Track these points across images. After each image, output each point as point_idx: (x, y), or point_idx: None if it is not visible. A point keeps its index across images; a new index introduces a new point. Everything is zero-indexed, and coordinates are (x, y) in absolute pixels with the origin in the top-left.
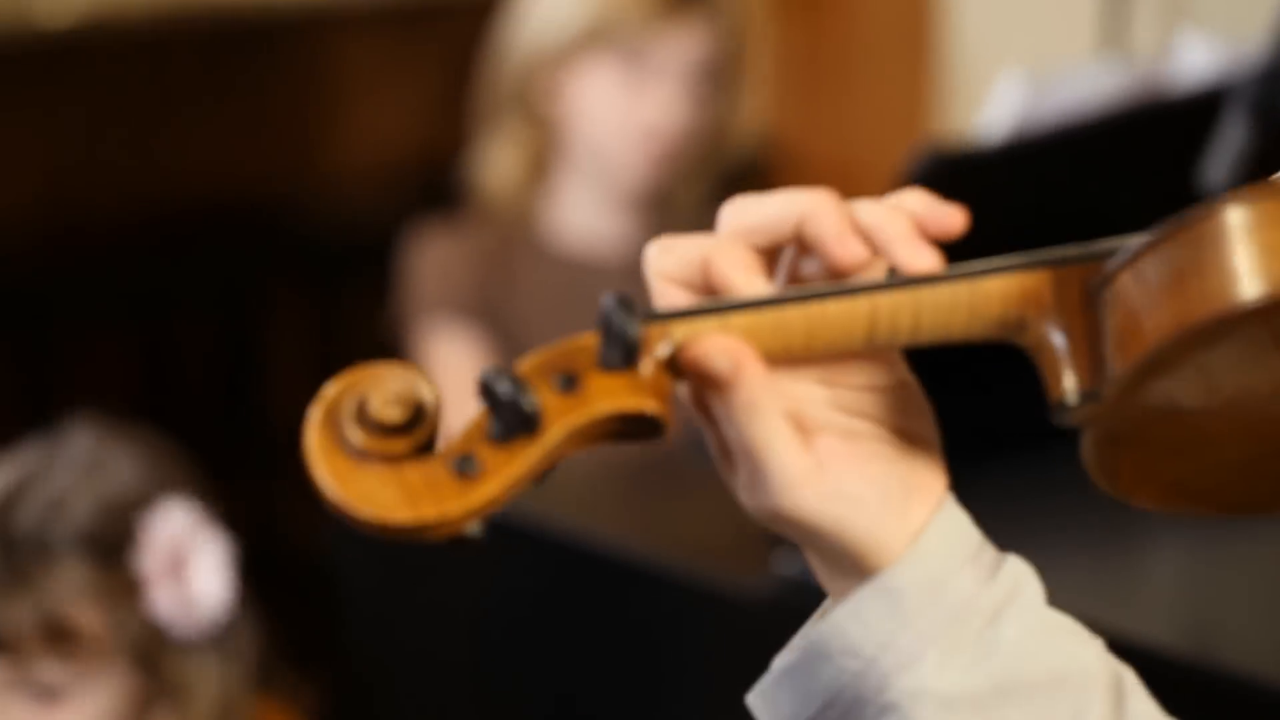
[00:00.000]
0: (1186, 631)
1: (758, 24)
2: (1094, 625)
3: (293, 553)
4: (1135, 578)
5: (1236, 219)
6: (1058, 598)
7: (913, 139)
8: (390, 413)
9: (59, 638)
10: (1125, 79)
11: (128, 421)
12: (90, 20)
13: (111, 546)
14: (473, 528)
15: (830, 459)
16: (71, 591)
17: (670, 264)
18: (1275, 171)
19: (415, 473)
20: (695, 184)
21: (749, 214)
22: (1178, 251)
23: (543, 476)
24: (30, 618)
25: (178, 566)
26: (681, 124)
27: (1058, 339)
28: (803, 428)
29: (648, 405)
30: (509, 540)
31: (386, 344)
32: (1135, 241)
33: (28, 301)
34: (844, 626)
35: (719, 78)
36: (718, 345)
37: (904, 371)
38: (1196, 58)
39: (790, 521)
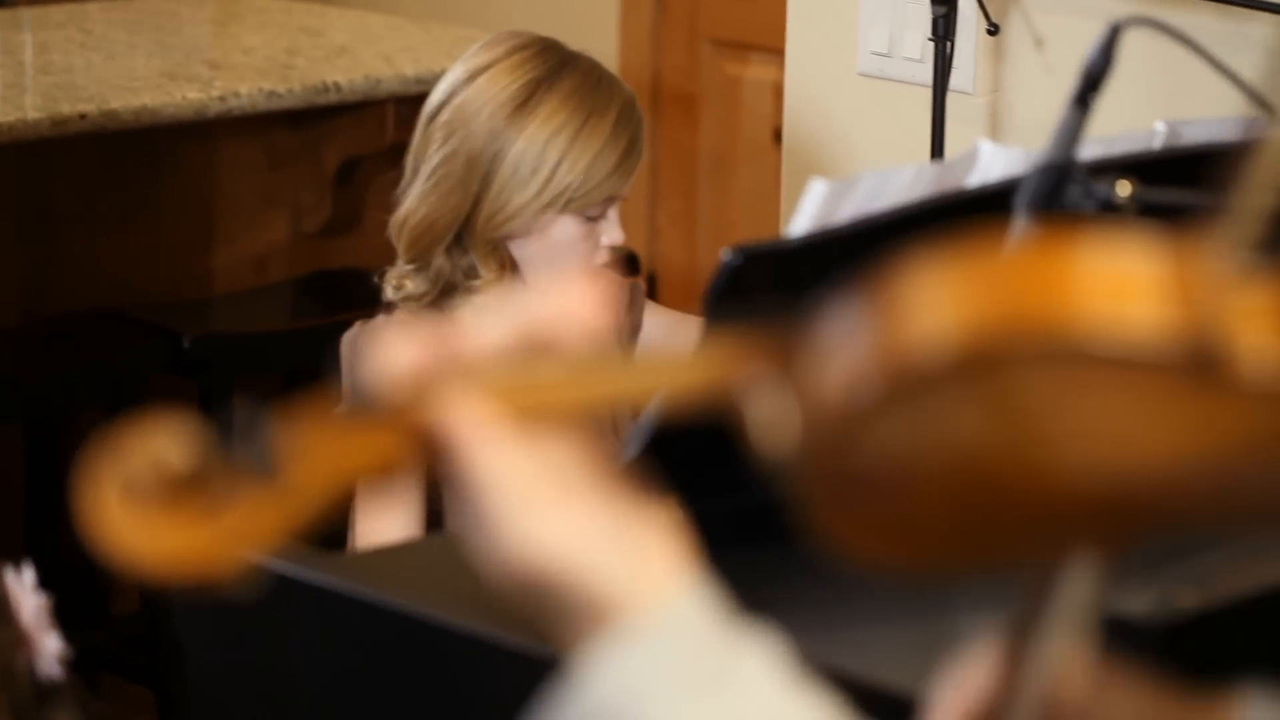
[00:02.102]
0: None
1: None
2: (904, 691)
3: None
4: (944, 644)
5: (917, 283)
6: (871, 660)
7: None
8: (158, 465)
9: None
10: (925, 181)
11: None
12: None
13: None
14: (240, 571)
15: (569, 508)
16: None
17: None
18: None
19: (174, 513)
20: None
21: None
22: (870, 316)
23: (318, 530)
24: None
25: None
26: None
27: (775, 401)
28: (544, 479)
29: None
30: (332, 606)
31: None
32: (832, 307)
33: None
34: (600, 680)
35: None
36: (455, 411)
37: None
38: (995, 163)
39: (531, 572)
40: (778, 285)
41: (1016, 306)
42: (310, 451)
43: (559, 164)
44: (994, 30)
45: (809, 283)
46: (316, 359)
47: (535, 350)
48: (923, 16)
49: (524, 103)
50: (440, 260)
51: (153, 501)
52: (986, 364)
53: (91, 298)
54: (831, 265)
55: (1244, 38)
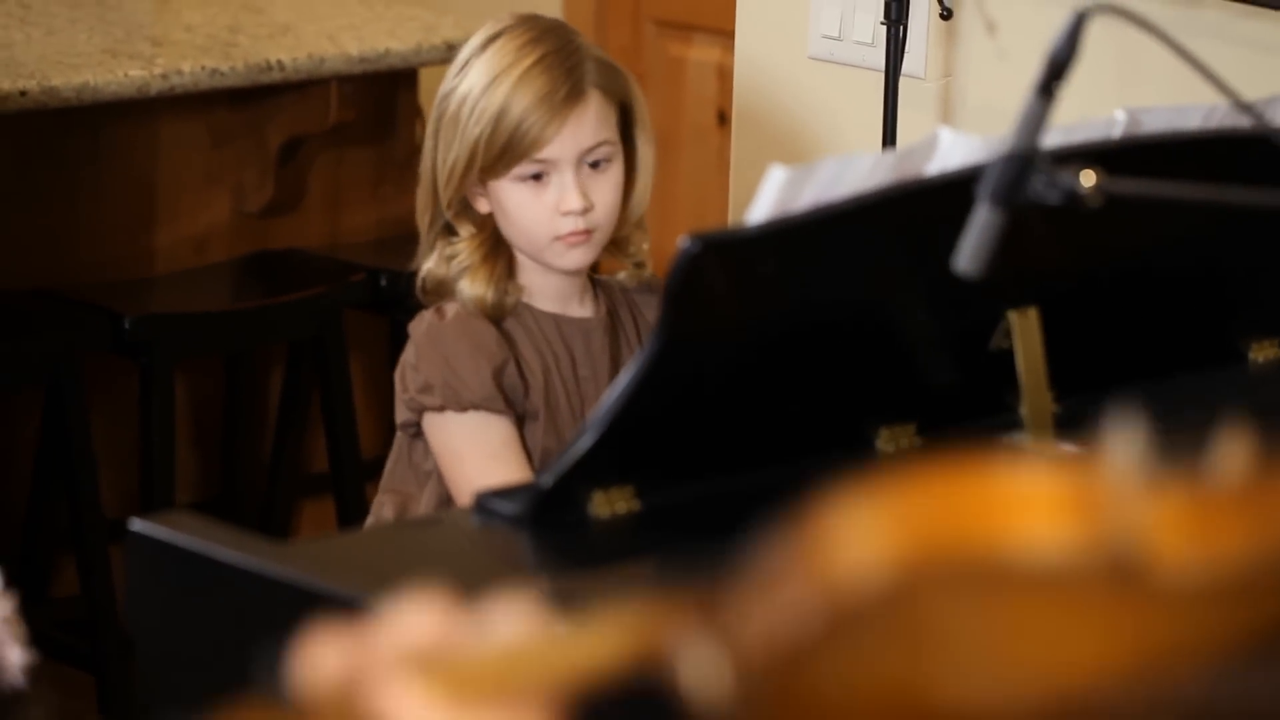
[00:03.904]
0: None
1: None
2: None
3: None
4: None
5: (837, 519)
6: None
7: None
8: None
9: None
10: (885, 169)
11: None
12: None
13: None
14: None
15: None
16: None
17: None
18: (1015, 250)
19: None
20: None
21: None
22: (794, 558)
23: None
24: None
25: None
26: (582, 206)
27: (705, 655)
28: None
29: None
30: (283, 596)
31: (207, 425)
32: (752, 554)
33: None
34: None
35: (611, 153)
36: (392, 700)
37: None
38: (954, 151)
39: None
40: (738, 272)
41: (938, 532)
42: None
43: (470, 117)
44: (947, 15)
45: (768, 271)
46: (257, 340)
47: (457, 633)
48: (875, 0)
49: (464, 63)
50: (433, 235)
51: None
52: (914, 593)
53: (31, 277)
54: (792, 253)
55: (1197, 24)
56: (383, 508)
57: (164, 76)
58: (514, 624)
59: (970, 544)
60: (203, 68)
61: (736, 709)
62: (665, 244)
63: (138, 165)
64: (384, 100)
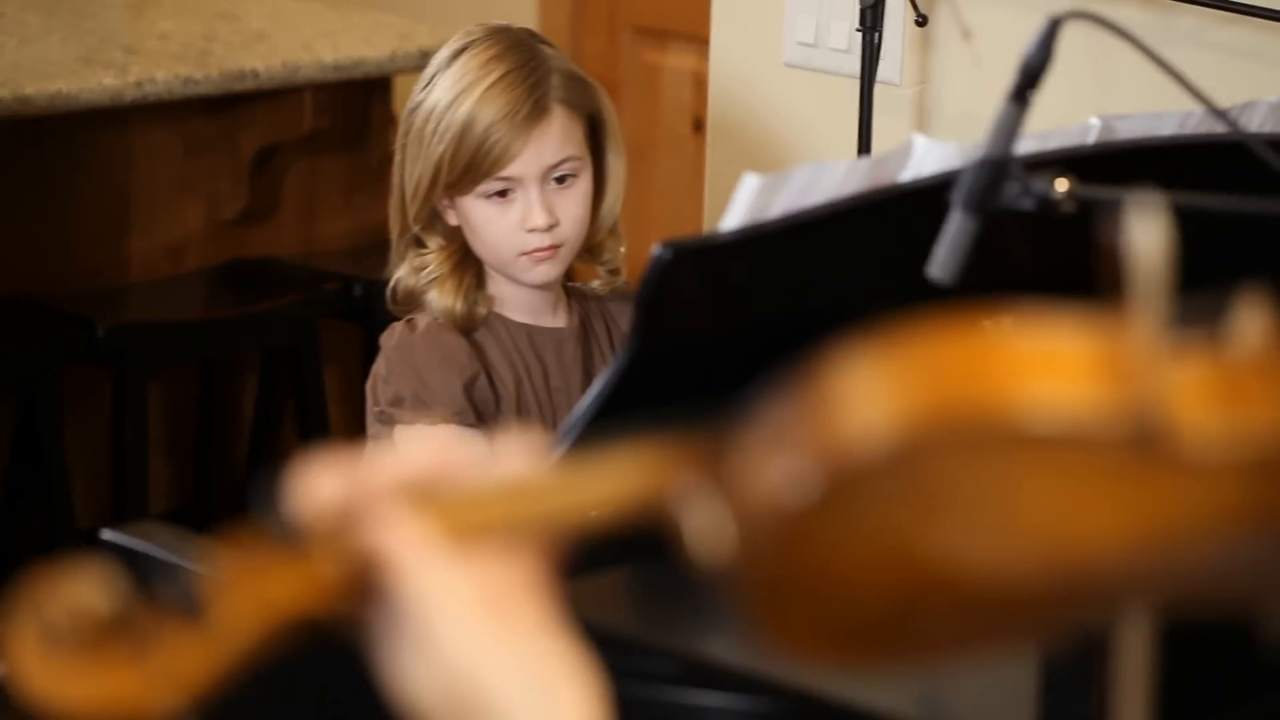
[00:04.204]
0: (919, 701)
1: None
2: (829, 698)
3: None
4: None
5: (848, 376)
6: (797, 670)
7: None
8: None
9: None
10: (859, 176)
11: None
12: None
13: None
14: (170, 715)
15: (499, 637)
16: None
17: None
18: (991, 256)
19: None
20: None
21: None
22: (801, 414)
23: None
24: None
25: None
26: (547, 222)
27: (709, 507)
28: (478, 603)
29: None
30: None
31: (179, 434)
32: (760, 407)
33: None
34: None
35: (577, 167)
36: (390, 530)
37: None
38: (928, 158)
39: (454, 697)
40: (711, 280)
41: (953, 393)
42: (236, 588)
43: (434, 135)
44: (922, 21)
45: (741, 278)
46: (232, 349)
47: (458, 469)
48: (850, 7)
49: (431, 78)
50: (403, 245)
51: (76, 648)
52: (924, 454)
53: (4, 285)
54: (765, 260)
55: (1172, 30)
56: None
57: (138, 85)
58: (516, 462)
59: (984, 405)
60: (177, 76)
61: (738, 564)
62: (641, 251)
63: (112, 174)
64: (358, 108)
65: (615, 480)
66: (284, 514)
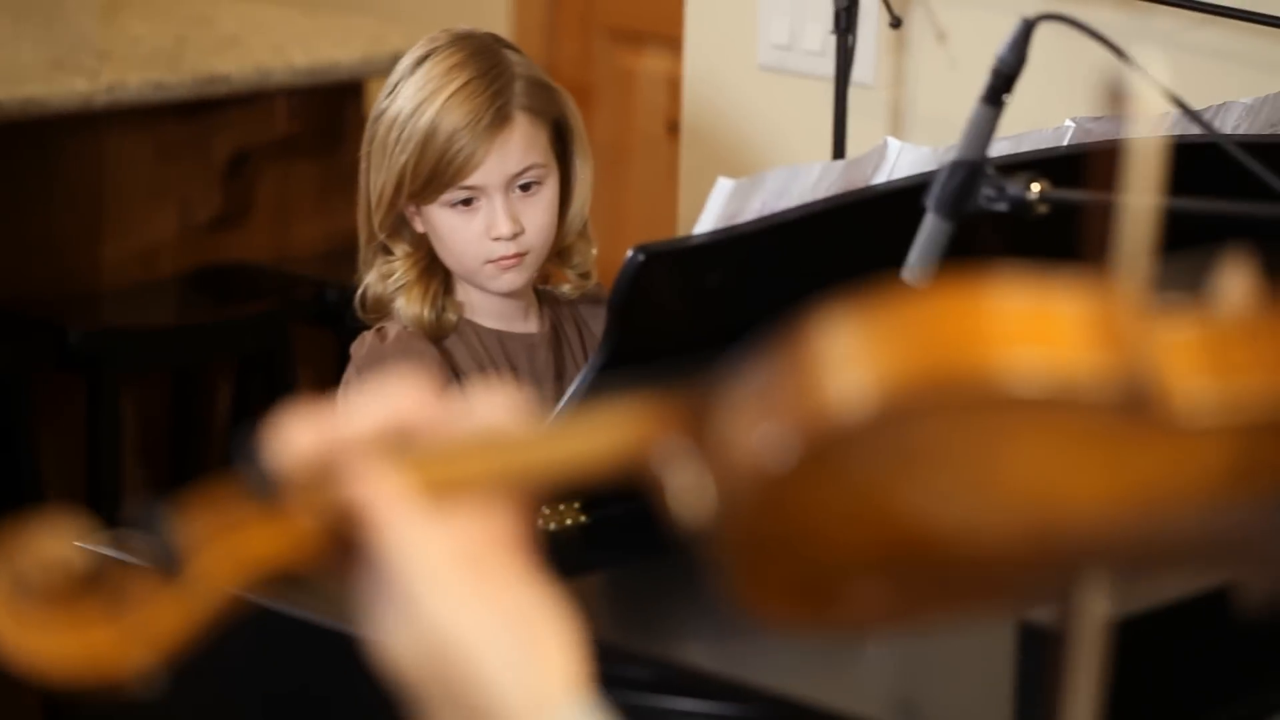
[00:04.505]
0: (896, 707)
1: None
2: (806, 703)
3: None
4: (845, 655)
5: (832, 337)
6: (773, 675)
7: None
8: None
9: None
10: (833, 178)
11: None
12: None
13: None
14: (144, 671)
15: (478, 594)
16: None
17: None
18: (969, 257)
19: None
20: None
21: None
22: (784, 374)
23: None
24: None
25: None
26: (512, 231)
27: (690, 466)
28: (457, 559)
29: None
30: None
31: (155, 439)
32: (743, 366)
33: None
34: None
35: (542, 174)
36: (369, 485)
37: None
38: (902, 160)
39: (433, 655)
40: (684, 284)
41: (939, 356)
42: (212, 543)
43: (397, 143)
44: (896, 24)
45: (715, 282)
46: (206, 355)
47: (438, 421)
48: (824, 9)
49: (394, 85)
50: (370, 252)
51: (49, 603)
52: (909, 417)
53: None
54: (738, 264)
55: (1147, 32)
56: None
57: (110, 90)
58: (498, 415)
59: (970, 368)
60: (149, 81)
61: (718, 524)
62: (615, 255)
63: (83, 179)
64: (331, 112)
65: (596, 437)
66: (261, 468)
